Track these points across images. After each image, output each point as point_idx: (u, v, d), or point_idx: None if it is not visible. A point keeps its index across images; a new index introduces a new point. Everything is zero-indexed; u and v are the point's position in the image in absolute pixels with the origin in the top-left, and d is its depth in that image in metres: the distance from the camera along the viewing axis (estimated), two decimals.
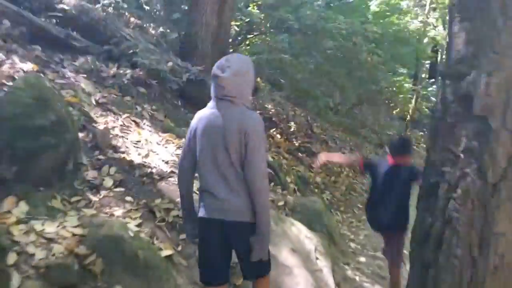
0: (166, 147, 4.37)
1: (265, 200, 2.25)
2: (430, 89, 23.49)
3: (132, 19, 8.18)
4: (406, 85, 20.03)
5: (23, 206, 2.85)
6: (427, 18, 21.09)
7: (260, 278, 2.48)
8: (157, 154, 4.14)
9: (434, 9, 24.24)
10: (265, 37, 8.80)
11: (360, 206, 7.54)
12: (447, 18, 2.21)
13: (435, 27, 22.14)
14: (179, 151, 4.42)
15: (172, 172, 3.97)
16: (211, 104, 2.33)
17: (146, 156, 4.00)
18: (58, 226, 2.82)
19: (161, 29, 7.88)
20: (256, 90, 2.81)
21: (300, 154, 7.93)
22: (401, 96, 19.87)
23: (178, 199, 3.61)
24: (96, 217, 3.06)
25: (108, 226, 2.90)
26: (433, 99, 23.07)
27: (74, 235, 2.81)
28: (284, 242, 3.85)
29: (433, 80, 23.07)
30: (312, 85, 9.45)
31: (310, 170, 7.59)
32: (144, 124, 4.70)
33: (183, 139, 4.73)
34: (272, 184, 5.84)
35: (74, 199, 3.19)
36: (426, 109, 22.49)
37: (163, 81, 5.64)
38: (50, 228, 2.78)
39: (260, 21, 8.12)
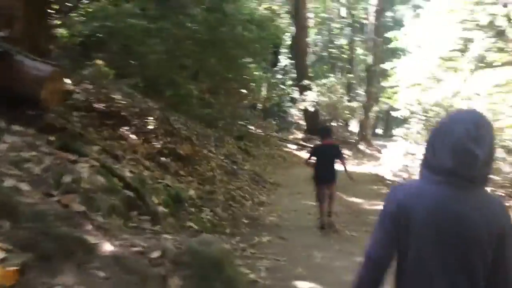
0: None
1: None
2: (278, 76, 23.31)
3: None
4: (257, 72, 19.21)
5: None
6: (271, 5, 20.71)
7: None
8: None
9: None
10: (106, 2, 6.50)
11: (246, 221, 5.94)
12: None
13: (278, 14, 21.84)
14: None
15: None
16: (434, 178, 1.52)
17: None
18: None
19: None
20: None
21: (164, 159, 5.97)
22: (253, 84, 19.05)
23: None
24: None
25: None
26: (282, 87, 22.96)
27: None
28: None
29: (276, 69, 22.88)
30: (169, 69, 7.47)
31: (180, 180, 5.71)
32: None
33: None
34: (136, 213, 3.86)
35: None
36: (276, 97, 22.23)
37: None
38: None
39: None
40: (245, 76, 17.31)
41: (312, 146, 9.50)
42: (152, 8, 6.16)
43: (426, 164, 1.58)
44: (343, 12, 30.10)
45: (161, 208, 4.34)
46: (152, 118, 6.69)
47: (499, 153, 10.13)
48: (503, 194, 11.29)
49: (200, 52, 7.01)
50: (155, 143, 6.16)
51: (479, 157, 1.47)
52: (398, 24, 28.89)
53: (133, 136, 5.76)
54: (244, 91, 17.99)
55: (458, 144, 1.48)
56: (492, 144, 1.52)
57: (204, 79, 11.40)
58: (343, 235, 5.97)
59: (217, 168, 7.61)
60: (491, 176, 1.59)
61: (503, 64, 12.11)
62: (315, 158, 6.35)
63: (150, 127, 6.50)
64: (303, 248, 5.11)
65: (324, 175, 6.18)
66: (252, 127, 17.65)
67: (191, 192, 5.45)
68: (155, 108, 8.05)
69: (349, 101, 21.18)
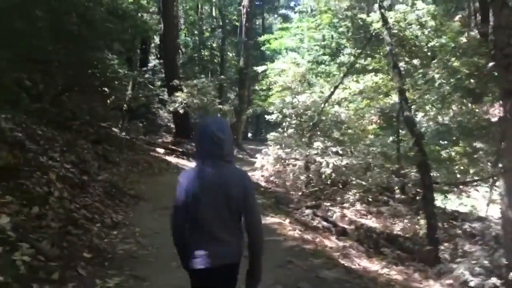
0: None
1: None
2: (147, 76, 21.47)
3: None
4: (121, 70, 17.39)
5: None
6: None
7: None
8: None
9: None
10: None
11: (88, 255, 4.44)
12: None
13: (146, 9, 20.15)
14: None
15: None
16: (203, 162, 2.55)
17: None
18: None
19: None
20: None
21: None
22: (117, 82, 17.24)
23: None
24: None
25: None
26: (151, 87, 21.23)
27: None
28: None
29: (145, 68, 21.09)
30: None
31: None
32: None
33: None
34: None
35: None
36: (143, 98, 20.42)
37: None
38: None
39: None
40: (108, 74, 15.48)
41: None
42: None
43: (198, 155, 2.59)
44: (215, 12, 29.38)
45: None
46: None
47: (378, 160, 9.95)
48: (370, 199, 11.31)
49: (31, 30, 5.28)
50: None
51: (224, 140, 2.51)
52: (267, 31, 29.11)
53: None
54: (106, 89, 16.01)
55: (212, 134, 2.49)
56: (230, 134, 2.57)
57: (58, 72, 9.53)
58: None
59: (57, 181, 5.94)
60: (234, 155, 2.69)
61: (371, 71, 12.13)
62: None
63: None
64: None
65: None
66: (116, 130, 15.76)
67: (4, 220, 3.83)
68: None
69: (220, 103, 20.33)
